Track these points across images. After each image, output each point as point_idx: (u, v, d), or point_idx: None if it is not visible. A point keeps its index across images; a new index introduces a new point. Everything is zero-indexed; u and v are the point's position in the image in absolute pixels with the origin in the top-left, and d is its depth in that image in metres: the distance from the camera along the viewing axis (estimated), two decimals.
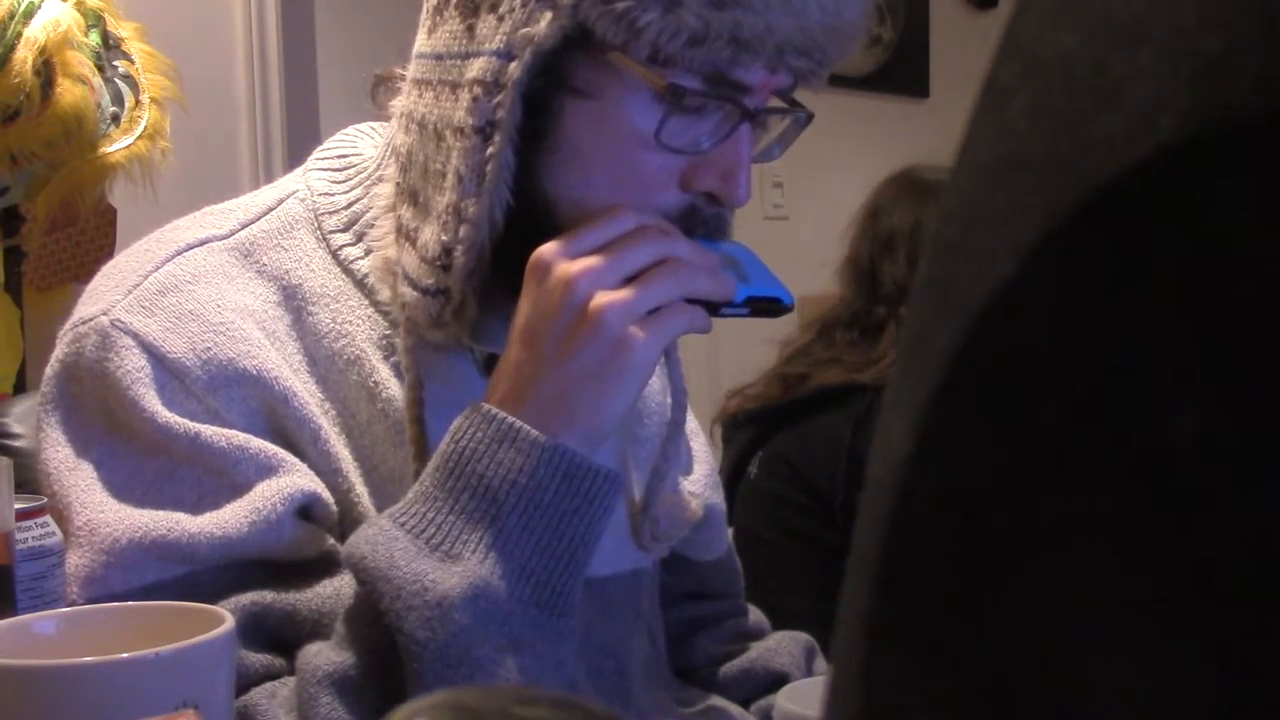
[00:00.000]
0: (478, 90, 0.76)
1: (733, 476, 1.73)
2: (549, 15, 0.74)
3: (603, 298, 0.74)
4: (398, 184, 0.84)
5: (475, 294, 0.79)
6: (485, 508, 0.73)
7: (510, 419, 0.74)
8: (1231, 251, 0.18)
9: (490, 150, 0.76)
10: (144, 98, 2.00)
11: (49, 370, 0.82)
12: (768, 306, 0.81)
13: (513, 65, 0.75)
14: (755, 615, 1.07)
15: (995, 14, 3.89)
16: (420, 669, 0.69)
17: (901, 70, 3.64)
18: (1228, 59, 0.18)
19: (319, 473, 0.80)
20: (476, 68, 0.77)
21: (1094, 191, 0.19)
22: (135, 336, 0.79)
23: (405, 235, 0.83)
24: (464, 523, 0.73)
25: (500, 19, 0.76)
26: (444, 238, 0.78)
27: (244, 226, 0.86)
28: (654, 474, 0.93)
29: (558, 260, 0.75)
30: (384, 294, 0.84)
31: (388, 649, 0.71)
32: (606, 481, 0.75)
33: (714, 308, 0.78)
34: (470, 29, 0.78)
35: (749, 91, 0.78)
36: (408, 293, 0.81)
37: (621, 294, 0.74)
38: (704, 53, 0.74)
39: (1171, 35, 0.19)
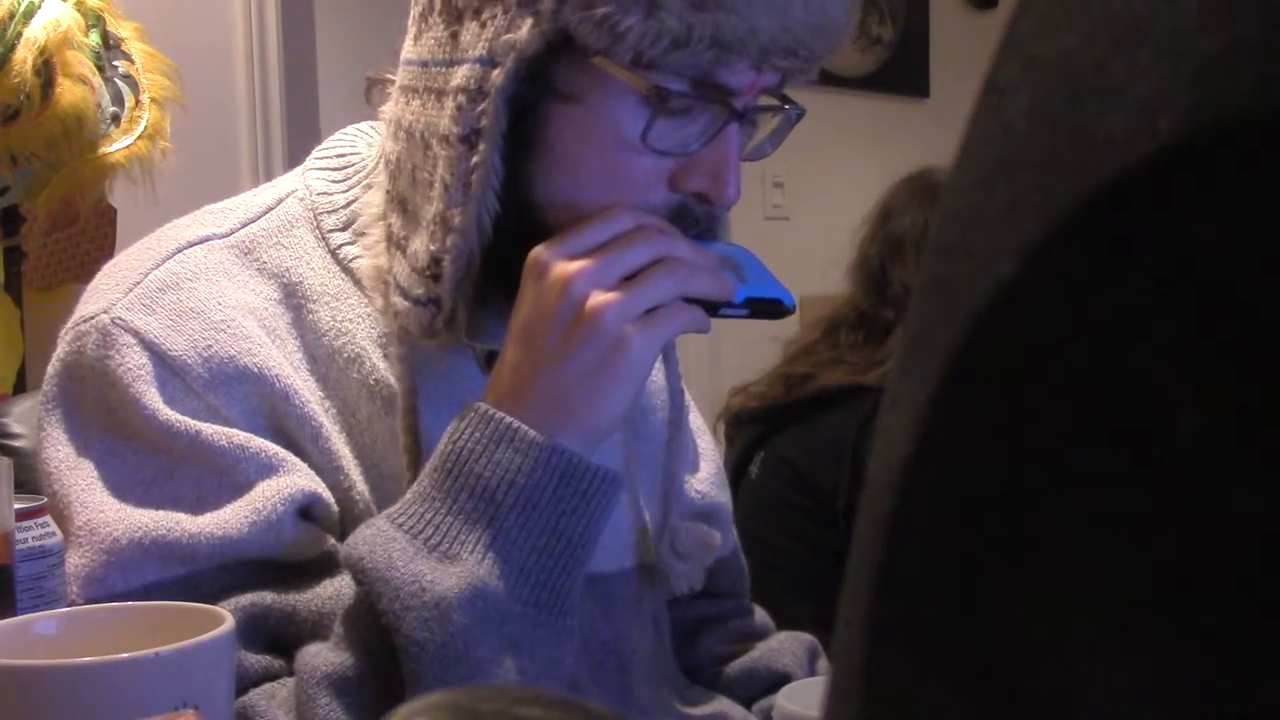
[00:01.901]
0: (461, 98, 0.76)
1: (735, 475, 1.72)
2: (530, 21, 0.74)
3: (600, 297, 0.74)
4: (388, 191, 0.84)
5: (466, 302, 0.79)
6: (483, 508, 0.73)
7: (508, 419, 0.74)
8: (1232, 251, 0.18)
9: (475, 159, 0.76)
10: (144, 98, 2.00)
11: (50, 369, 0.82)
12: (768, 308, 0.81)
13: (495, 72, 0.75)
14: (760, 616, 1.07)
15: (995, 14, 3.89)
16: (418, 670, 0.69)
17: (901, 70, 3.64)
18: (1228, 59, 0.18)
19: (320, 471, 0.80)
20: (460, 75, 0.77)
21: (1094, 191, 0.19)
22: (136, 334, 0.79)
23: (395, 244, 0.83)
24: (462, 523, 0.73)
25: (483, 25, 0.76)
26: (432, 248, 0.78)
27: (244, 225, 0.86)
28: (666, 475, 0.93)
29: (555, 259, 0.75)
30: (376, 303, 0.84)
31: (386, 650, 0.71)
32: (605, 481, 0.75)
33: (713, 308, 0.78)
34: (454, 36, 0.78)
35: (736, 93, 0.78)
36: (399, 302, 0.81)
37: (619, 293, 0.74)
38: (687, 55, 0.73)
39: (1171, 35, 0.19)
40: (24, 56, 1.81)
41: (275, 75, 2.45)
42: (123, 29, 2.01)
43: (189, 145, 2.10)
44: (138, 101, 1.99)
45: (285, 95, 2.45)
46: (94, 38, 1.95)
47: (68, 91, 1.87)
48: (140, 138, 1.97)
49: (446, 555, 0.72)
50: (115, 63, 1.99)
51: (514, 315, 0.77)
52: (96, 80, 1.93)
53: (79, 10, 1.92)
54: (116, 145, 1.95)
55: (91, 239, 2.01)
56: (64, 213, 1.95)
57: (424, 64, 0.80)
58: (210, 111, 2.32)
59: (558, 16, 0.73)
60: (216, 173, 2.35)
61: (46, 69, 1.86)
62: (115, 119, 1.96)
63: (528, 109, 0.77)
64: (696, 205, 0.80)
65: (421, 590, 0.70)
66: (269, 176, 2.40)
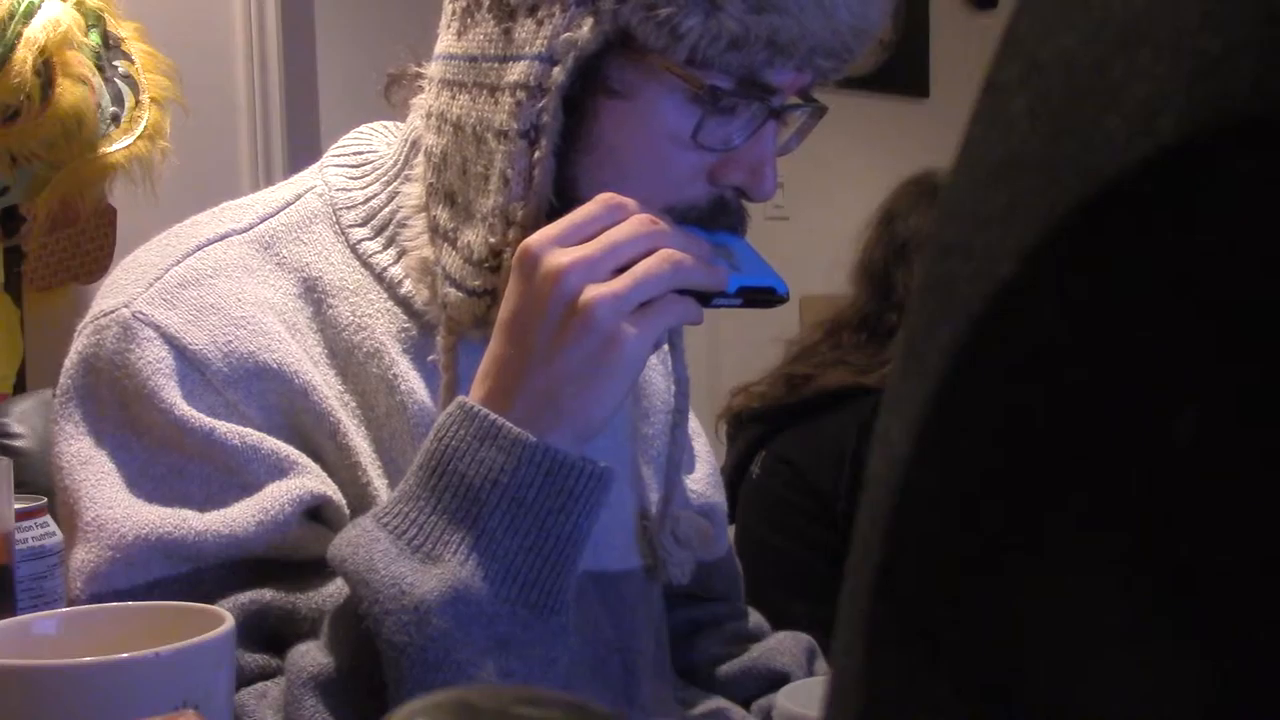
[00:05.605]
0: (520, 94, 0.77)
1: (735, 475, 1.72)
2: (590, 20, 0.75)
3: (593, 291, 0.73)
4: (430, 184, 0.84)
5: None
6: (467, 508, 0.72)
7: (492, 416, 0.73)
8: (1232, 251, 0.18)
9: (537, 154, 0.77)
10: (144, 98, 1.99)
11: (67, 363, 0.82)
12: (762, 296, 0.80)
13: (556, 70, 0.76)
14: (755, 618, 1.07)
15: (995, 14, 3.89)
16: (400, 673, 0.69)
17: (901, 70, 3.64)
18: (1228, 59, 0.18)
19: (337, 467, 0.80)
20: (517, 71, 0.77)
21: (1094, 191, 0.19)
22: (157, 328, 0.79)
23: (443, 236, 0.83)
24: (445, 523, 0.72)
25: (539, 24, 0.77)
26: (491, 240, 0.79)
27: (263, 220, 0.86)
28: (669, 462, 0.93)
29: (546, 251, 0.74)
30: (421, 294, 0.84)
31: (372, 651, 0.70)
32: (592, 478, 0.73)
33: (706, 298, 0.77)
34: (507, 33, 0.79)
35: (777, 91, 0.79)
36: (452, 293, 0.81)
37: (612, 287, 0.73)
38: (741, 56, 0.75)
39: (1171, 35, 0.19)
40: (24, 56, 1.81)
41: (275, 75, 2.45)
42: (123, 29, 2.01)
43: (189, 145, 2.10)
44: (138, 101, 1.99)
45: (285, 95, 2.45)
46: (94, 38, 1.95)
47: (68, 91, 1.87)
48: (140, 138, 1.97)
49: (429, 556, 0.71)
50: (115, 63, 1.99)
51: (502, 307, 0.76)
52: (96, 80, 1.93)
53: (79, 10, 1.92)
54: (116, 145, 1.95)
55: (91, 239, 2.01)
56: (64, 213, 1.95)
57: (472, 59, 0.81)
58: (210, 111, 2.32)
59: (618, 16, 0.75)
60: (216, 173, 2.35)
61: (46, 69, 1.86)
62: (115, 119, 1.96)
63: (576, 104, 0.78)
64: (734, 199, 0.81)
65: (401, 593, 0.69)
66: (269, 176, 2.40)
